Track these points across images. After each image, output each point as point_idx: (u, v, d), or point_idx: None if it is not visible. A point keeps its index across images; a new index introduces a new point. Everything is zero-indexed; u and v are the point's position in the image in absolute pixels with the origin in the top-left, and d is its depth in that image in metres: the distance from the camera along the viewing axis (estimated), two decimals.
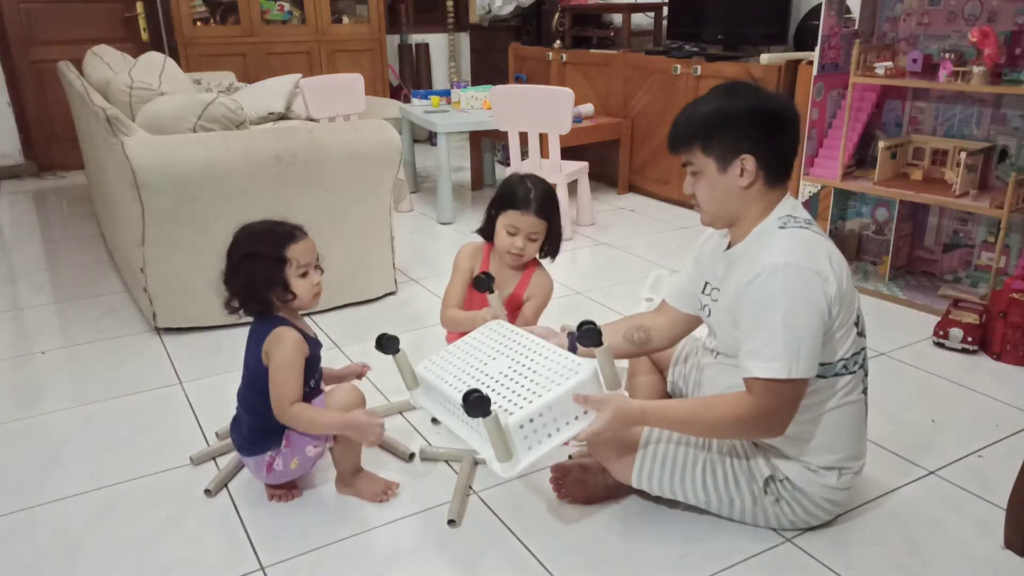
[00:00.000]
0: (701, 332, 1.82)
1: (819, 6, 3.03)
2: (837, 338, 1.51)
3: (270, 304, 1.71)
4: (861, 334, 1.57)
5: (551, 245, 2.13)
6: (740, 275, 1.51)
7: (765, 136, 1.49)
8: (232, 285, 1.71)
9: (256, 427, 1.74)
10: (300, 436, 1.73)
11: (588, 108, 4.54)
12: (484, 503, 1.79)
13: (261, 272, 1.68)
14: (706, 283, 1.68)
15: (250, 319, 1.76)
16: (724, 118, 1.48)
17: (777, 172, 1.52)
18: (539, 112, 3.66)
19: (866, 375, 1.61)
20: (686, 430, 1.59)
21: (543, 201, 2.04)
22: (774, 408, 1.46)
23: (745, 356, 1.47)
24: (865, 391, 1.62)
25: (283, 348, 1.67)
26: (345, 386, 1.79)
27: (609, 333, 1.75)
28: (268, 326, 1.70)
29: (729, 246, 1.60)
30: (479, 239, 2.18)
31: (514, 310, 2.17)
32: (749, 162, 1.48)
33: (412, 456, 1.98)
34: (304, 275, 1.71)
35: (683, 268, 1.80)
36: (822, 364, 1.50)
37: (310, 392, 1.75)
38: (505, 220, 2.05)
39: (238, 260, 1.70)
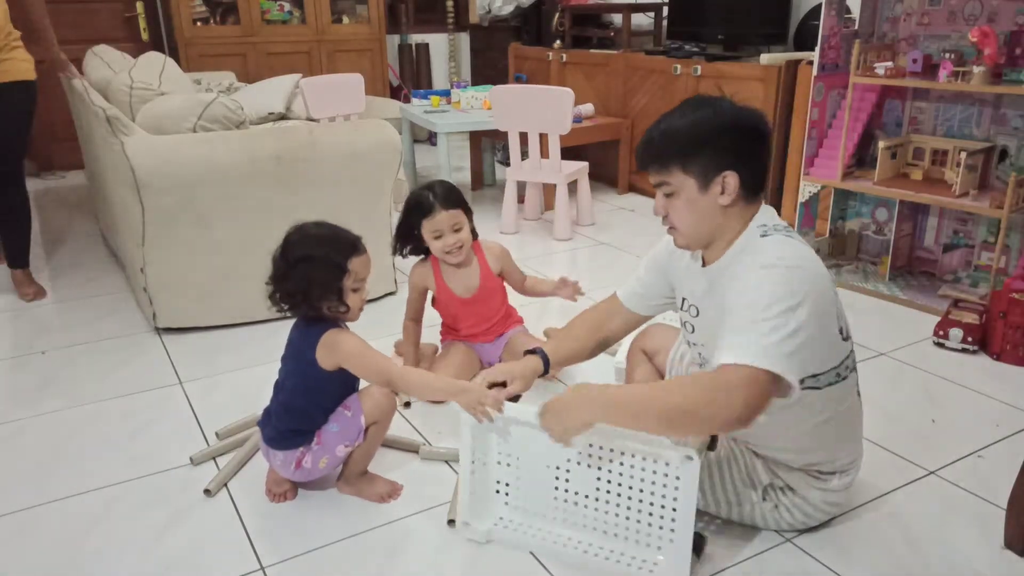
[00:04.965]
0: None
1: (819, 6, 3.03)
2: (826, 347, 1.45)
3: (320, 312, 1.67)
4: (846, 339, 1.52)
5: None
6: (727, 291, 1.44)
7: (746, 151, 1.44)
8: (284, 284, 1.66)
9: (292, 427, 1.73)
10: (333, 435, 1.72)
11: (588, 108, 4.54)
12: None
13: (319, 277, 1.64)
14: (683, 299, 1.63)
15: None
16: (705, 133, 1.42)
17: (755, 187, 1.47)
18: (539, 112, 3.66)
19: (856, 375, 1.59)
20: (636, 411, 1.39)
21: (444, 195, 2.16)
22: (746, 393, 1.29)
23: (723, 348, 1.35)
24: (858, 393, 1.61)
25: (345, 346, 1.66)
26: (373, 389, 1.76)
27: (571, 338, 1.78)
28: (318, 328, 1.68)
29: (704, 263, 1.54)
30: (418, 259, 2.31)
31: (496, 290, 2.32)
32: (732, 178, 1.42)
33: (419, 448, 1.98)
34: (356, 290, 1.69)
35: (635, 271, 1.76)
36: (814, 376, 1.44)
37: (346, 393, 1.74)
38: (426, 231, 2.17)
39: (296, 260, 1.64)
